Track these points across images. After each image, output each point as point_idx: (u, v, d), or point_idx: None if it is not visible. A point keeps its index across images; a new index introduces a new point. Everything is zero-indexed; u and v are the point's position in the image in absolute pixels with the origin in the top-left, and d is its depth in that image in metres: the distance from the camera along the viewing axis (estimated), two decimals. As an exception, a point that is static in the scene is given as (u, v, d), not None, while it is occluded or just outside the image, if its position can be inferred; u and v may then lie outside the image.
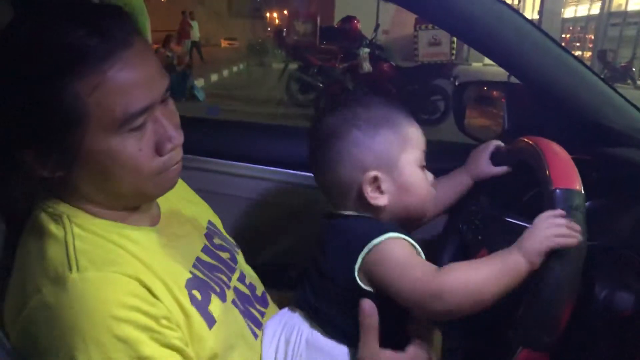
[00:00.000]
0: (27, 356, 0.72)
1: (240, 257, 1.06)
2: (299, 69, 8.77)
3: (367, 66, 7.67)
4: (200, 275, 0.88)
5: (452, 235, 1.07)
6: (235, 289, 0.95)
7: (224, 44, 22.62)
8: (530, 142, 0.89)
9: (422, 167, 0.91)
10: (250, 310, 0.95)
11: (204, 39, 19.16)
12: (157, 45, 9.12)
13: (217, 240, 1.02)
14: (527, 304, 0.77)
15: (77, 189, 0.80)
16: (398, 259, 0.81)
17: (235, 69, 14.96)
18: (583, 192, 0.79)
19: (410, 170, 0.89)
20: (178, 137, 0.81)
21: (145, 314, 0.72)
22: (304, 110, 8.15)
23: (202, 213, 1.07)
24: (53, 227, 0.77)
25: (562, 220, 0.76)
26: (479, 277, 0.77)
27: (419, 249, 0.85)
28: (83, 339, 0.68)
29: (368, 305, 0.83)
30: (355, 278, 0.83)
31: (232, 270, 0.98)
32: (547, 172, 0.81)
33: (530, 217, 0.81)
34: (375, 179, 0.88)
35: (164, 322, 0.74)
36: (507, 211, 0.96)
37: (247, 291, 0.98)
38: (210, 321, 0.82)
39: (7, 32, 0.73)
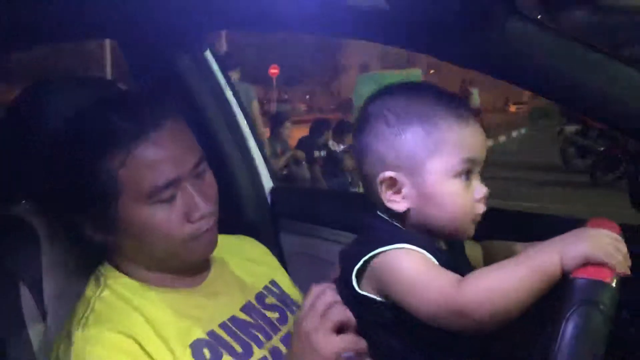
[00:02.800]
0: None
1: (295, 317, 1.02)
2: (576, 132, 8.04)
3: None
4: (222, 334, 0.90)
5: None
6: (274, 350, 0.93)
7: (512, 108, 22.14)
8: None
9: (462, 178, 0.77)
10: None
11: (491, 104, 19.15)
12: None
13: (269, 300, 1.03)
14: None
15: (122, 253, 0.91)
16: (409, 275, 0.73)
17: (514, 134, 14.47)
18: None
19: (437, 180, 0.76)
20: (207, 207, 0.88)
21: None
22: (580, 177, 7.38)
23: (264, 273, 1.09)
24: (90, 289, 0.89)
25: (621, 245, 0.66)
26: (505, 284, 0.67)
27: (436, 262, 0.75)
28: None
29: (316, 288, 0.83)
30: (351, 279, 0.78)
31: (276, 331, 0.97)
32: None
33: None
34: (393, 181, 0.78)
35: None
36: None
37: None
38: None
39: (67, 119, 0.89)
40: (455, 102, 0.78)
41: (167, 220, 0.85)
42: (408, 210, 0.78)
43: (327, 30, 1.13)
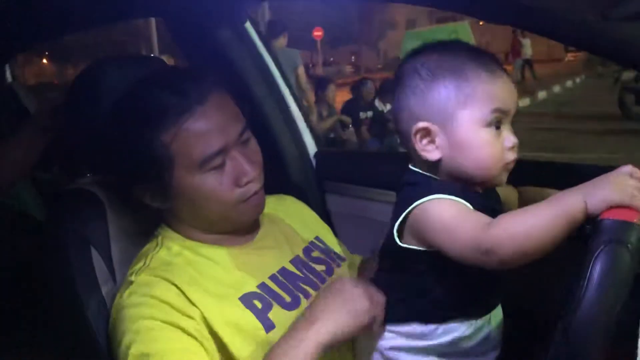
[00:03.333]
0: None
1: (340, 270, 1.11)
2: (635, 79, 7.65)
3: None
4: (271, 285, 0.98)
5: None
6: None
7: (568, 56, 21.29)
8: None
9: (492, 127, 0.81)
10: None
11: (547, 54, 18.43)
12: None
13: (316, 254, 1.10)
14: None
15: (178, 218, 0.99)
16: (443, 221, 0.79)
17: (569, 83, 13.91)
18: None
19: (467, 129, 0.81)
20: (253, 171, 0.94)
21: (168, 304, 0.87)
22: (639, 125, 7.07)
23: (311, 230, 1.16)
24: (148, 248, 0.99)
25: None
26: (528, 224, 0.72)
27: (469, 206, 0.79)
28: (130, 320, 0.87)
29: None
30: (393, 234, 0.84)
31: (323, 281, 1.05)
32: None
33: None
34: (427, 131, 0.83)
35: (182, 313, 0.87)
36: None
37: None
38: (269, 326, 0.92)
39: (120, 98, 0.96)
40: (486, 57, 0.82)
41: (218, 185, 0.92)
42: (441, 159, 0.83)
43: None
